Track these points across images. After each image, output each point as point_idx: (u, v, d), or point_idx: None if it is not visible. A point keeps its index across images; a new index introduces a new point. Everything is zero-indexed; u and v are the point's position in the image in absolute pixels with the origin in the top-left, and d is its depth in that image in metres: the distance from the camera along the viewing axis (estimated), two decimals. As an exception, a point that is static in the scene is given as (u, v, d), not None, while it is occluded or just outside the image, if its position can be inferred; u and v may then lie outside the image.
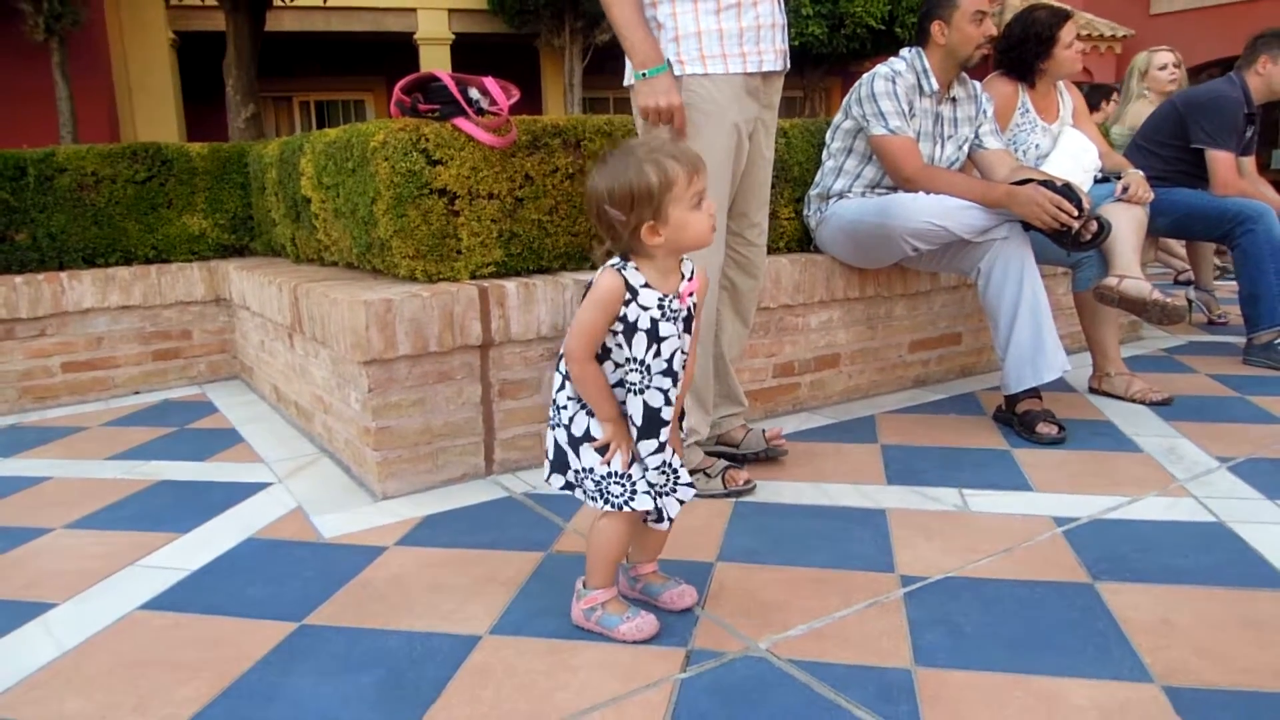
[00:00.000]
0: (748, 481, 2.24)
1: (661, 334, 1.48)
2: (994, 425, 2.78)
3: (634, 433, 1.50)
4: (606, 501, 1.51)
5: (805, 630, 1.58)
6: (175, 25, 10.64)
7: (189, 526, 2.15)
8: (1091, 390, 3.12)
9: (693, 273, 1.54)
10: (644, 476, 1.51)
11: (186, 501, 2.33)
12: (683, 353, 1.52)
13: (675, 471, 1.56)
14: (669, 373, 1.49)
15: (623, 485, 1.50)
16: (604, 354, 1.49)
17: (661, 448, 1.51)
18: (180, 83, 10.71)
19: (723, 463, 2.27)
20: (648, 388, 1.49)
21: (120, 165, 3.51)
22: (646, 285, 1.47)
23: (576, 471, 1.53)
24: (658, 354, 1.48)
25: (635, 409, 1.49)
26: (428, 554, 1.95)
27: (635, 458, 1.51)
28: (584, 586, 1.61)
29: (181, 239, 3.69)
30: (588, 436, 1.51)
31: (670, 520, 1.57)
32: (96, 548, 2.05)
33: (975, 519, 2.06)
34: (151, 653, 1.58)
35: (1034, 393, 2.69)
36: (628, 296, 1.45)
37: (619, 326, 1.47)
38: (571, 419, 1.52)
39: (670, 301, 1.48)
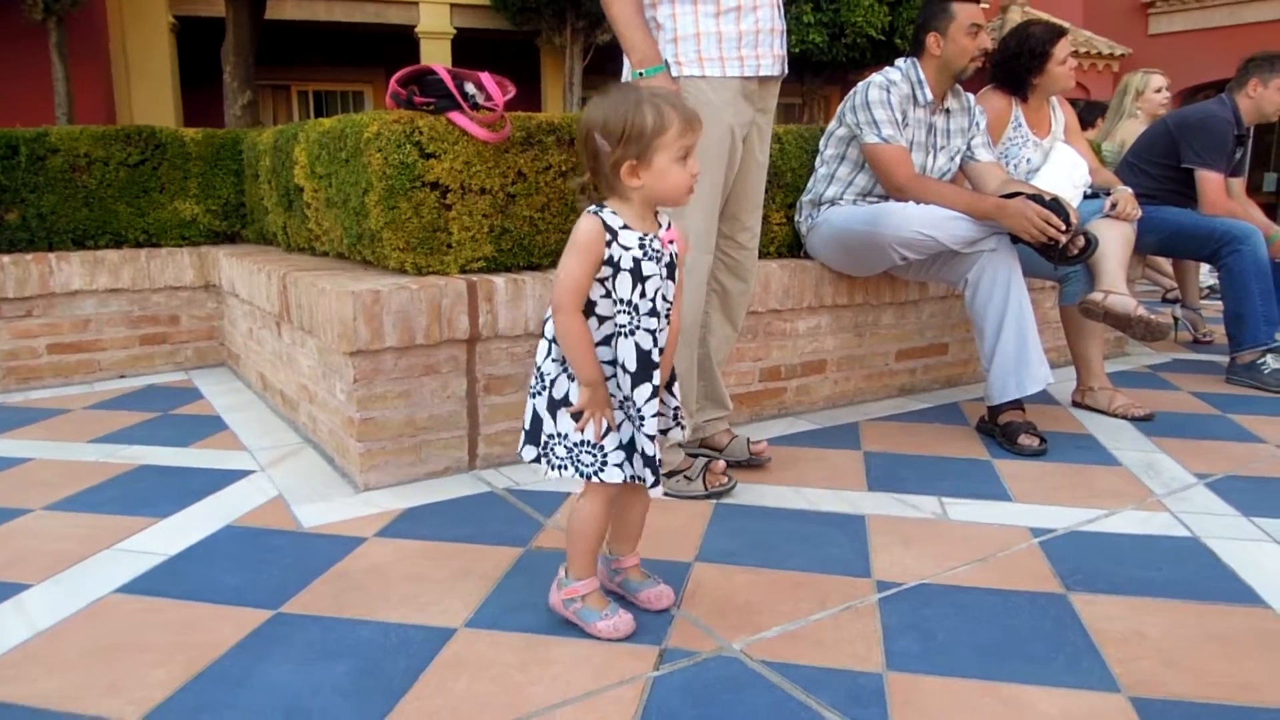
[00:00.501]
0: (727, 474, 2.25)
1: (645, 273, 1.47)
2: (976, 435, 2.80)
3: (628, 381, 1.48)
4: (576, 470, 1.50)
5: (779, 632, 1.59)
6: (175, 9, 10.60)
7: (169, 512, 2.15)
8: (1075, 404, 3.14)
9: (669, 225, 1.54)
10: (619, 447, 1.50)
11: (167, 487, 2.33)
12: (664, 298, 1.50)
13: (675, 411, 1.58)
14: (654, 313, 1.49)
15: (594, 455, 1.50)
16: (588, 309, 1.48)
17: (655, 393, 1.49)
18: (179, 67, 10.67)
19: (703, 462, 2.28)
20: (636, 329, 1.48)
21: (113, 147, 3.50)
22: (625, 227, 1.47)
23: (550, 436, 1.51)
24: (643, 294, 1.48)
25: (628, 352, 1.48)
26: (407, 546, 1.95)
27: (613, 426, 1.50)
28: (565, 575, 1.61)
29: (172, 224, 3.68)
30: (567, 400, 1.50)
31: (657, 477, 1.51)
32: (75, 530, 2.05)
33: (953, 527, 2.07)
34: (126, 636, 1.58)
35: (1017, 404, 2.71)
36: (608, 238, 1.45)
37: (606, 272, 1.46)
38: (553, 381, 1.51)
39: (651, 241, 1.48)
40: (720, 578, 1.81)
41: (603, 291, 1.48)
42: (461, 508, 2.19)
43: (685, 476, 2.24)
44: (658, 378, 1.50)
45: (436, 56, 11.57)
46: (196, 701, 1.38)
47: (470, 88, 2.43)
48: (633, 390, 1.49)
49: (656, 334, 1.50)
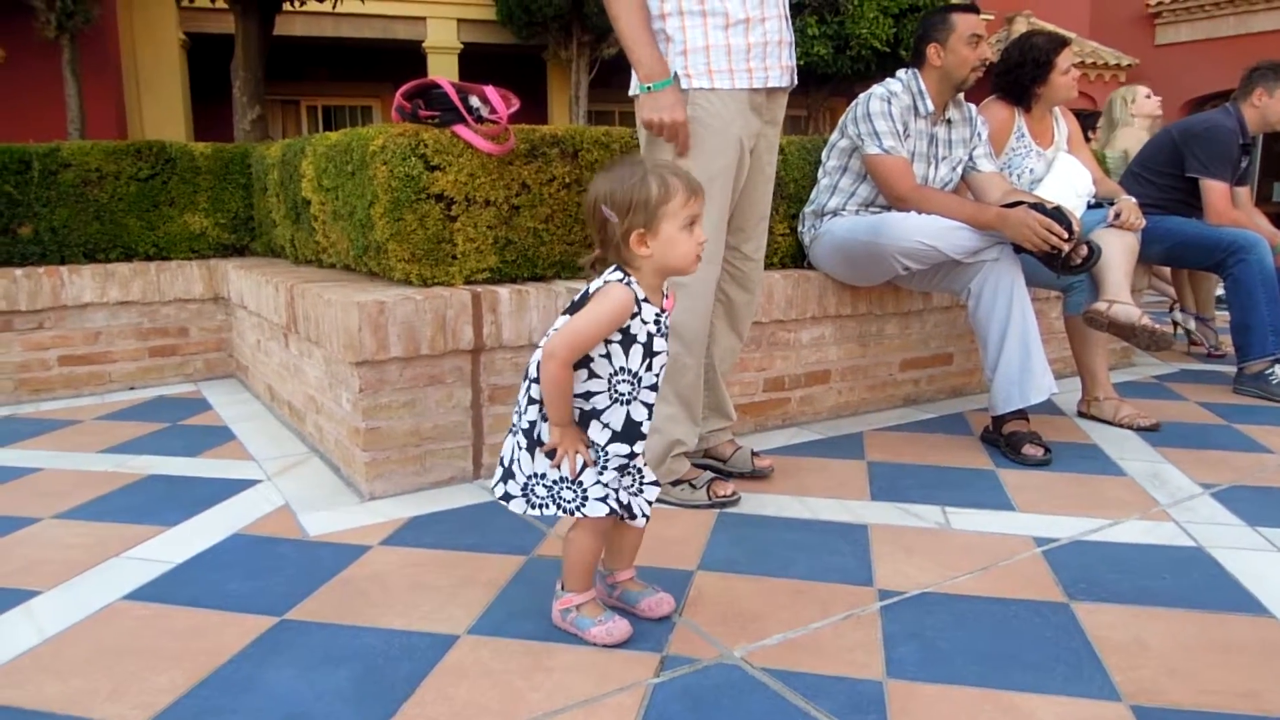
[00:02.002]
0: (733, 493, 2.26)
1: (655, 349, 1.51)
2: (981, 446, 2.80)
3: (605, 435, 1.52)
4: (559, 507, 1.52)
5: (780, 640, 1.59)
6: (186, 26, 10.71)
7: (177, 520, 2.17)
8: (1080, 414, 3.14)
9: (667, 291, 1.58)
10: (598, 481, 1.52)
11: (175, 496, 2.35)
12: (664, 366, 1.56)
13: (640, 471, 1.59)
14: (654, 387, 1.53)
15: (574, 491, 1.51)
16: (584, 362, 1.50)
17: (633, 455, 1.53)
18: (189, 83, 10.78)
19: (708, 474, 2.29)
20: (634, 400, 1.52)
21: (124, 162, 3.55)
22: (645, 300, 1.50)
23: (529, 477, 1.52)
24: (649, 368, 1.51)
25: (617, 418, 1.51)
26: (411, 554, 1.97)
27: (589, 462, 1.51)
28: (562, 588, 1.62)
29: (182, 237, 3.72)
30: (541, 440, 1.52)
31: (646, 517, 1.59)
32: (84, 538, 2.07)
33: (956, 536, 2.07)
34: (132, 642, 1.59)
35: (1021, 414, 2.71)
36: (635, 310, 1.48)
37: (615, 337, 1.48)
38: (531, 424, 1.52)
39: (665, 318, 1.53)
40: (722, 586, 1.81)
41: (603, 352, 1.49)
42: (465, 517, 2.20)
43: (690, 485, 2.25)
44: (640, 446, 1.54)
45: (444, 71, 11.66)
46: (200, 706, 1.39)
47: (475, 101, 2.45)
48: (608, 444, 1.52)
49: (651, 407, 1.54)
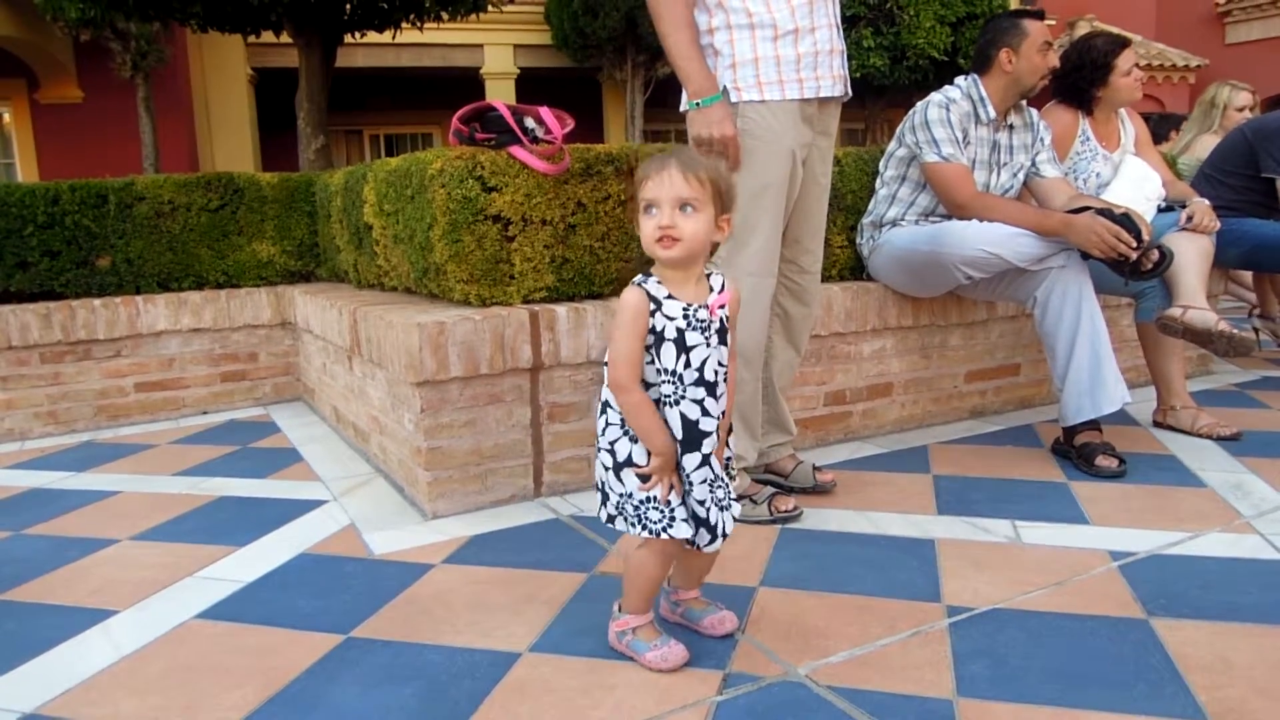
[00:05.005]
0: (795, 508, 2.23)
1: (689, 343, 1.47)
2: (1052, 458, 2.72)
3: (677, 448, 1.50)
4: (644, 528, 1.50)
5: (846, 657, 1.56)
6: (253, 62, 11.09)
7: (247, 540, 2.22)
8: (1156, 424, 3.03)
9: (723, 285, 1.54)
10: (684, 504, 1.50)
11: (245, 517, 2.40)
12: (720, 364, 1.51)
13: (726, 485, 1.56)
14: (701, 382, 1.48)
15: (661, 512, 1.49)
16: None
17: (705, 461, 1.50)
18: (257, 116, 11.14)
19: (769, 489, 2.26)
20: (682, 399, 1.48)
21: (195, 194, 3.67)
22: (670, 296, 1.48)
23: (620, 496, 1.51)
24: (688, 364, 1.48)
25: (673, 421, 1.49)
26: (474, 572, 1.98)
27: (679, 490, 1.50)
28: (619, 610, 1.61)
29: (251, 265, 3.83)
30: (630, 462, 1.50)
31: (725, 536, 1.54)
32: (159, 559, 2.13)
33: (1027, 551, 2.01)
34: (204, 659, 1.63)
35: (1093, 425, 2.62)
36: (652, 308, 1.47)
37: (649, 340, 1.48)
38: (613, 444, 1.51)
39: (696, 311, 1.49)
40: (785, 602, 1.78)
41: (648, 359, 1.49)
42: (527, 534, 2.21)
43: (751, 500, 2.23)
44: (707, 446, 1.50)
45: (501, 96, 11.83)
46: (270, 723, 1.42)
47: (530, 122, 2.48)
48: (681, 457, 1.50)
49: (704, 403, 1.49)
